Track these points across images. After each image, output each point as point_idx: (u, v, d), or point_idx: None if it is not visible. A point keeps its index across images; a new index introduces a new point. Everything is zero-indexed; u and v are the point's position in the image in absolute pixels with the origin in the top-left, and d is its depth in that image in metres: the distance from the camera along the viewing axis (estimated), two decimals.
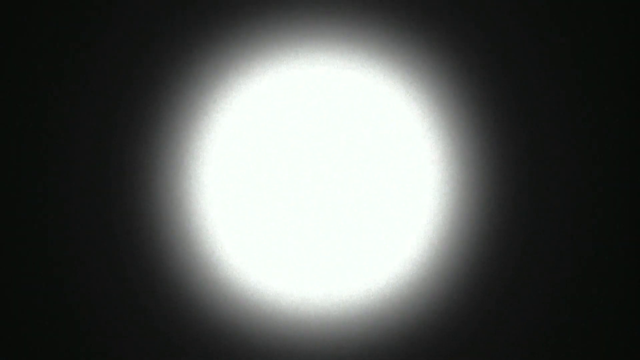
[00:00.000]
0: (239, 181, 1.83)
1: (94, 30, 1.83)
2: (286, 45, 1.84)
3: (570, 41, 1.83)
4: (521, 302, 1.82)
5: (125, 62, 1.83)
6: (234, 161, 1.82)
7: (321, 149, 1.83)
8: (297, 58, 1.83)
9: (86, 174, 1.84)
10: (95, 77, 1.83)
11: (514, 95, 1.84)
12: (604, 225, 1.83)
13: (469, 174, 1.83)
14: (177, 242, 1.82)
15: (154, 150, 1.83)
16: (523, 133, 1.84)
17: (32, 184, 1.83)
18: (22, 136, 1.82)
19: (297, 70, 1.84)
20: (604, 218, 1.84)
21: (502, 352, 1.81)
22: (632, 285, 1.82)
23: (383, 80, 1.84)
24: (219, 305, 1.80)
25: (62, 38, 1.83)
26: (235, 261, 1.82)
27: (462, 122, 1.84)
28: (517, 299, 1.82)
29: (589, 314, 1.82)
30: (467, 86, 1.84)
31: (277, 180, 1.82)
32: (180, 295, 1.81)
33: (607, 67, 1.84)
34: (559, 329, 1.82)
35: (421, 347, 1.81)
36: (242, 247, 1.82)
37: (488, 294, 1.82)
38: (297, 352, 1.80)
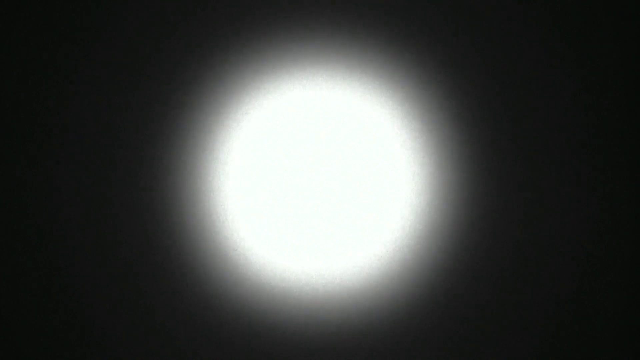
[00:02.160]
0: (252, 181, 1.85)
1: (125, 45, 1.84)
2: (292, 66, 1.86)
3: (550, 57, 1.84)
4: (494, 282, 1.83)
5: (160, 78, 1.84)
6: (248, 163, 1.85)
7: (320, 153, 1.86)
8: (299, 78, 1.84)
9: (118, 174, 1.85)
10: (126, 92, 1.84)
11: (490, 107, 1.85)
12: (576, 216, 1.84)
13: (444, 174, 1.85)
14: (200, 231, 1.85)
15: (183, 154, 1.86)
16: (491, 136, 1.85)
17: (63, 187, 1.84)
18: (51, 141, 1.83)
19: (298, 89, 1.86)
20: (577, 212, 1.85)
21: (477, 332, 1.83)
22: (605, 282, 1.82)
23: (371, 96, 1.85)
24: (235, 281, 1.84)
25: (92, 51, 1.84)
26: (248, 244, 1.85)
27: (438, 130, 1.85)
28: (489, 278, 1.83)
29: (558, 295, 1.83)
30: (446, 100, 1.85)
31: (284, 180, 1.86)
32: (203, 273, 1.83)
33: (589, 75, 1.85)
34: (529, 311, 1.83)
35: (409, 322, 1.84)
36: (254, 234, 1.85)
37: (463, 277, 1.83)
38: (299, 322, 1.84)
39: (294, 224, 1.87)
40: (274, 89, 1.87)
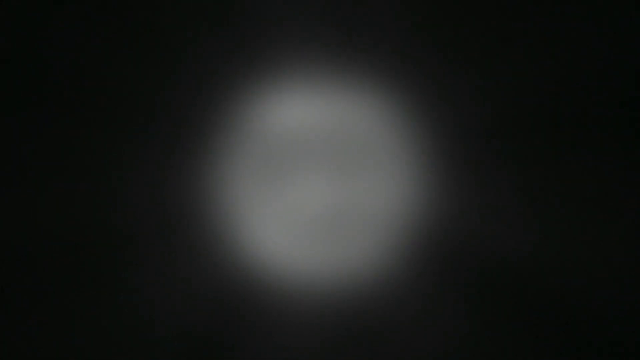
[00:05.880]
0: (260, 181, 1.89)
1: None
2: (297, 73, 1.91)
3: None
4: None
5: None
6: (266, 167, 1.89)
7: (325, 160, 1.90)
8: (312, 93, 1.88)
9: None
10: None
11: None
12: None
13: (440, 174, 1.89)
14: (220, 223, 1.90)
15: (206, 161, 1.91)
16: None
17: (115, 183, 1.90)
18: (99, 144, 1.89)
19: (311, 102, 1.90)
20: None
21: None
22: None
23: (372, 111, 1.88)
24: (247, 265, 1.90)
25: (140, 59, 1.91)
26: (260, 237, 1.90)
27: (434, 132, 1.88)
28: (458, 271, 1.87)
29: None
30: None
31: (294, 183, 1.89)
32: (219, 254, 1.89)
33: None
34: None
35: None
36: (265, 232, 1.90)
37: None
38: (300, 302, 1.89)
39: (298, 222, 1.90)
40: (282, 96, 1.91)
